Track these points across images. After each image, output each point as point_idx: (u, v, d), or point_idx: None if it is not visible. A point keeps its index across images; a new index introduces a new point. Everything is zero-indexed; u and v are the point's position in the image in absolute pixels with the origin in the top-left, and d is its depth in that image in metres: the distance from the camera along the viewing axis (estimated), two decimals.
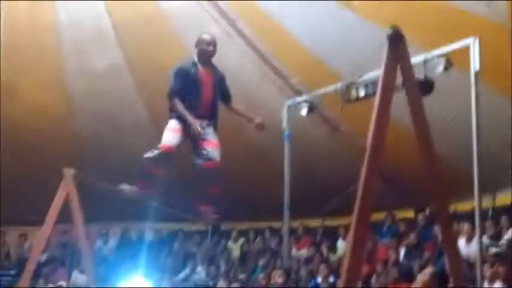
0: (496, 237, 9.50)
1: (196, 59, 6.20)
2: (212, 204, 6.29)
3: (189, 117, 5.94)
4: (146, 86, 11.56)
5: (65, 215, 9.90)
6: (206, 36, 6.29)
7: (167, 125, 6.17)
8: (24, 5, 10.87)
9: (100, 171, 11.43)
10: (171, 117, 6.19)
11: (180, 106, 6.02)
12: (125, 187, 6.48)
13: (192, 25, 10.13)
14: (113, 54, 11.40)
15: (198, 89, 6.14)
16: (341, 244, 11.82)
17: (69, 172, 10.33)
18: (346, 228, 10.81)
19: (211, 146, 6.09)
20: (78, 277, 12.94)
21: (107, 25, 11.06)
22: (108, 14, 10.96)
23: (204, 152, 6.04)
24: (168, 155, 6.04)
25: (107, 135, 12.62)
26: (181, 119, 6.08)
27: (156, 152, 6.06)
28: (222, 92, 6.35)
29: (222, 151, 6.14)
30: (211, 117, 6.24)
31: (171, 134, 6.08)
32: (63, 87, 12.00)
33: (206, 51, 6.19)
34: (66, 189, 10.08)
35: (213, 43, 6.23)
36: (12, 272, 13.33)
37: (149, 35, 10.74)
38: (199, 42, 6.22)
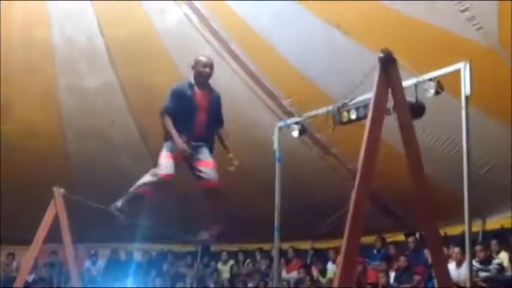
0: (486, 261, 9.50)
1: (193, 80, 6.22)
2: (217, 222, 6.33)
3: (175, 137, 5.95)
4: (137, 104, 11.55)
5: (53, 235, 9.85)
6: (203, 58, 6.29)
7: (163, 151, 6.18)
8: (18, 23, 10.87)
9: (90, 189, 11.41)
10: (166, 141, 6.20)
11: (169, 124, 6.02)
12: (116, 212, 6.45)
13: (184, 45, 10.18)
14: (105, 73, 11.39)
15: (193, 111, 6.15)
16: (331, 267, 11.79)
17: (58, 191, 10.28)
18: (336, 250, 10.79)
19: (208, 166, 6.11)
20: None
21: (99, 44, 11.06)
22: (101, 34, 10.96)
23: (201, 173, 6.06)
24: (167, 182, 6.05)
25: (98, 153, 12.58)
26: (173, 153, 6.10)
27: (155, 178, 6.05)
28: (216, 115, 6.36)
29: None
30: (206, 139, 6.25)
31: (169, 161, 6.08)
32: (54, 105, 11.96)
33: (203, 73, 6.19)
34: (55, 208, 10.03)
35: (209, 65, 6.23)
36: None
37: (141, 55, 10.72)
38: (196, 64, 6.21)
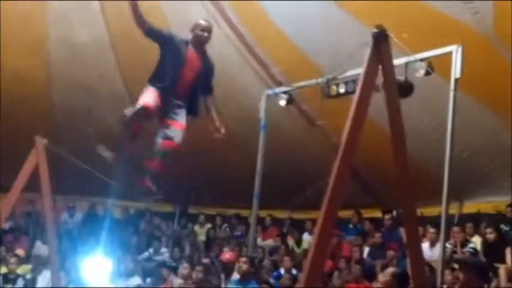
0: (461, 244, 9.65)
1: (189, 40, 6.24)
2: (154, 182, 6.28)
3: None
4: (126, 62, 11.50)
5: (32, 184, 9.86)
6: (202, 22, 6.30)
7: (145, 89, 6.17)
8: None
9: (73, 141, 11.40)
10: (149, 86, 6.19)
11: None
12: (104, 153, 6.45)
13: (178, 5, 10.10)
14: (97, 28, 11.32)
15: (181, 66, 6.15)
16: (307, 237, 11.90)
17: (40, 141, 10.23)
18: (314, 222, 10.88)
19: (176, 127, 6.12)
20: (40, 247, 12.90)
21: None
22: None
23: (166, 131, 6.08)
24: (147, 112, 6.00)
25: (83, 105, 12.55)
26: (158, 89, 6.09)
27: (136, 107, 6.02)
28: (205, 82, 6.37)
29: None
30: (188, 100, 6.26)
31: (150, 95, 6.07)
32: (44, 54, 11.89)
33: (200, 36, 6.20)
34: (36, 158, 10.01)
35: (208, 30, 6.24)
36: None
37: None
38: (195, 27, 6.21)
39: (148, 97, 6.03)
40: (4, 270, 11.53)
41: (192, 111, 6.30)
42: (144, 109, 5.92)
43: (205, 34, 6.22)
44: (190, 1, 10.14)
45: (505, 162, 9.86)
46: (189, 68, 6.20)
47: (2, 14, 10.71)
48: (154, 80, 6.18)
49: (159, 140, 6.06)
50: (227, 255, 10.66)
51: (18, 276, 11.37)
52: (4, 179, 10.36)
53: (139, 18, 6.13)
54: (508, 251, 8.79)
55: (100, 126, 12.42)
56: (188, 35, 6.26)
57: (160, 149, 6.13)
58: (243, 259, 9.38)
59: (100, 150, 6.47)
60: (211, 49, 6.47)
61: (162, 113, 6.12)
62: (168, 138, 6.09)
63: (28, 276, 11.40)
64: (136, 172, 6.34)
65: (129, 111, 6.02)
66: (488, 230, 9.32)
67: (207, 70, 6.33)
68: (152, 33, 6.21)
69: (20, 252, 12.32)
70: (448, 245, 8.55)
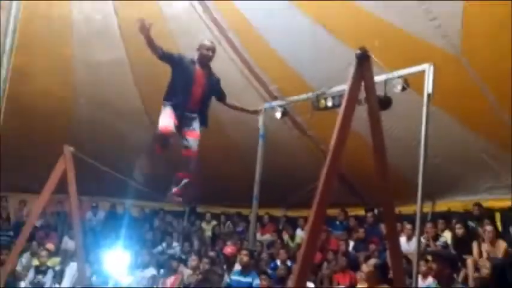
0: (434, 238, 9.62)
1: (196, 59, 6.23)
2: (181, 187, 6.26)
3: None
4: (142, 79, 11.49)
5: (61, 187, 9.82)
6: (207, 42, 6.34)
7: (163, 111, 6.15)
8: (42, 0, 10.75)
9: (94, 150, 11.34)
10: (165, 106, 6.17)
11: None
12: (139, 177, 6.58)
13: (188, 29, 10.09)
14: (116, 49, 11.30)
15: (190, 84, 6.15)
16: (299, 233, 11.87)
17: (68, 149, 10.22)
18: (305, 219, 10.84)
19: (192, 136, 6.12)
20: (68, 242, 12.86)
21: (113, 23, 10.95)
22: (115, 13, 10.87)
23: (184, 141, 6.08)
24: (166, 136, 6.00)
25: (103, 119, 12.54)
26: (174, 108, 6.08)
27: (156, 133, 6.04)
28: (218, 92, 6.42)
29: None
30: (199, 112, 6.26)
31: (167, 117, 6.05)
32: (69, 73, 11.87)
33: (205, 55, 6.23)
34: (64, 164, 9.99)
35: (212, 49, 6.28)
36: (11, 233, 13.20)
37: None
38: (201, 47, 6.24)
39: (166, 120, 6.03)
40: (36, 262, 11.51)
41: (202, 123, 6.31)
42: (163, 133, 5.94)
43: (210, 53, 6.24)
44: (199, 27, 10.14)
45: (472, 166, 9.86)
46: (198, 85, 6.20)
47: (32, 37, 10.71)
48: (168, 97, 6.19)
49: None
50: (229, 249, 10.62)
51: (48, 268, 11.34)
52: (37, 183, 10.34)
53: (153, 47, 6.13)
54: (474, 244, 8.76)
55: (118, 137, 12.44)
56: (194, 54, 6.27)
57: (183, 157, 6.15)
58: (244, 252, 9.37)
59: (136, 176, 6.56)
60: (217, 68, 6.48)
61: (180, 125, 6.13)
62: (187, 147, 6.10)
63: (57, 267, 11.37)
64: (167, 181, 6.33)
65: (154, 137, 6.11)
66: (458, 226, 9.30)
67: (213, 85, 6.34)
68: (165, 57, 6.21)
69: (50, 246, 12.28)
70: (422, 239, 8.52)
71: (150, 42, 6.10)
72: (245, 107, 7.41)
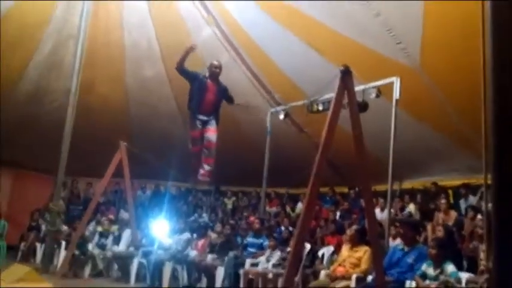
0: (401, 209, 9.60)
1: (207, 74, 6.43)
2: (208, 170, 6.47)
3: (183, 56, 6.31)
4: (178, 88, 11.53)
5: (118, 172, 9.91)
6: (216, 62, 6.62)
7: (190, 119, 6.32)
8: (101, 29, 10.81)
9: (142, 143, 11.44)
10: (190, 113, 6.35)
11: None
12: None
13: (211, 51, 10.11)
14: (157, 67, 11.37)
15: (204, 92, 6.33)
16: (300, 205, 11.87)
17: (123, 144, 10.32)
18: (304, 195, 10.86)
19: (212, 133, 6.31)
20: (123, 214, 12.96)
21: (155, 46, 11.02)
22: (156, 39, 10.91)
23: (206, 137, 6.25)
24: (196, 153, 6.33)
25: (149, 120, 12.61)
26: (192, 112, 6.27)
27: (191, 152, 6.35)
28: (227, 98, 6.57)
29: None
30: (213, 114, 6.44)
31: (192, 137, 6.33)
32: (123, 85, 11.97)
33: (214, 72, 6.45)
34: (120, 155, 10.10)
35: (219, 67, 6.55)
36: (81, 207, 13.36)
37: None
38: (211, 66, 6.55)
39: (191, 141, 6.40)
40: (100, 229, 11.60)
41: (217, 122, 6.49)
42: (194, 152, 6.22)
43: (218, 70, 6.51)
44: (219, 48, 10.14)
45: (430, 154, 9.83)
46: (209, 93, 6.38)
47: (94, 55, 10.81)
48: (189, 104, 6.44)
49: (204, 142, 6.30)
50: (252, 218, 10.61)
51: (109, 233, 11.44)
52: (100, 169, 10.46)
53: (179, 63, 6.28)
54: (435, 214, 8.71)
55: (160, 132, 12.51)
56: (206, 71, 6.49)
57: (205, 147, 6.32)
58: (256, 220, 9.40)
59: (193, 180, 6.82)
60: (234, 80, 6.63)
61: (202, 126, 6.29)
62: (208, 140, 6.28)
63: (116, 233, 11.47)
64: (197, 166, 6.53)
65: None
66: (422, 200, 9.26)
67: (224, 91, 6.51)
68: (183, 72, 6.40)
69: (110, 217, 12.40)
70: (392, 210, 8.51)
71: (182, 60, 6.27)
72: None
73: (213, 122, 6.39)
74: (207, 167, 6.37)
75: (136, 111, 12.49)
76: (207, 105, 6.37)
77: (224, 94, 6.56)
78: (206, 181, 6.63)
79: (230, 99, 6.69)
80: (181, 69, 6.35)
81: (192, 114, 6.32)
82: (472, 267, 5.94)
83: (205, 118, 6.34)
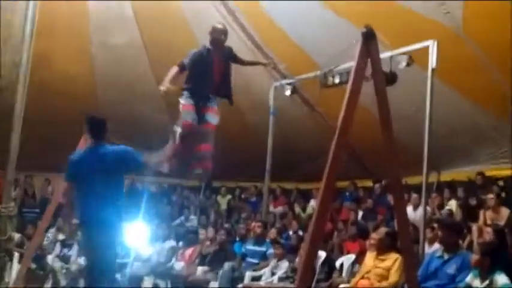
0: (440, 207, 9.64)
1: (209, 45, 6.07)
2: (203, 160, 6.23)
3: (167, 78, 5.86)
4: (157, 63, 11.48)
5: None
6: (220, 27, 6.14)
7: (182, 102, 6.11)
8: None
9: (111, 129, 11.40)
10: (183, 95, 6.12)
11: (170, 73, 5.91)
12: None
13: (201, 15, 10.05)
14: (132, 34, 11.32)
15: (211, 70, 6.03)
16: (313, 203, 11.90)
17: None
18: (318, 190, 10.89)
19: (212, 112, 6.09)
20: None
21: (129, 9, 10.96)
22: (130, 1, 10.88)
23: (205, 117, 6.05)
24: (189, 130, 5.96)
25: (121, 100, 12.59)
26: (191, 93, 6.04)
27: (180, 130, 5.99)
28: (234, 59, 6.26)
29: (220, 124, 6.17)
30: (223, 91, 6.18)
31: (185, 110, 6.03)
32: (88, 58, 11.92)
33: (219, 40, 6.05)
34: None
35: (224, 33, 6.11)
36: (36, 210, 13.34)
37: (164, 20, 10.62)
38: (214, 31, 6.03)
39: (183, 113, 6.01)
40: (61, 237, 11.62)
41: (228, 98, 6.25)
42: (186, 128, 5.93)
43: (223, 37, 6.08)
44: (211, 11, 10.10)
45: (474, 138, 9.83)
46: (216, 68, 6.06)
47: (52, 25, 10.73)
48: (189, 89, 6.07)
49: (201, 123, 6.07)
50: (253, 224, 10.61)
51: (73, 242, 11.39)
52: (60, 163, 10.43)
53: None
54: (481, 212, 8.76)
55: (135, 116, 12.49)
56: (207, 39, 6.14)
57: (202, 129, 6.10)
58: (258, 224, 9.43)
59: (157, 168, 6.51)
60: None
61: (200, 104, 6.10)
62: (207, 122, 6.07)
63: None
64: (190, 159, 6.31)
65: (177, 132, 6.03)
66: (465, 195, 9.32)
67: (229, 53, 6.18)
68: (184, 69, 6.06)
69: (75, 222, 12.38)
70: (428, 208, 8.54)
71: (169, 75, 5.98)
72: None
73: (215, 101, 6.19)
74: (206, 155, 6.23)
75: (105, 90, 12.47)
76: (216, 82, 6.18)
77: (230, 55, 6.28)
78: (206, 175, 6.52)
79: (237, 60, 6.40)
80: (181, 70, 6.11)
81: (193, 97, 6.06)
82: None
83: (211, 96, 6.17)
